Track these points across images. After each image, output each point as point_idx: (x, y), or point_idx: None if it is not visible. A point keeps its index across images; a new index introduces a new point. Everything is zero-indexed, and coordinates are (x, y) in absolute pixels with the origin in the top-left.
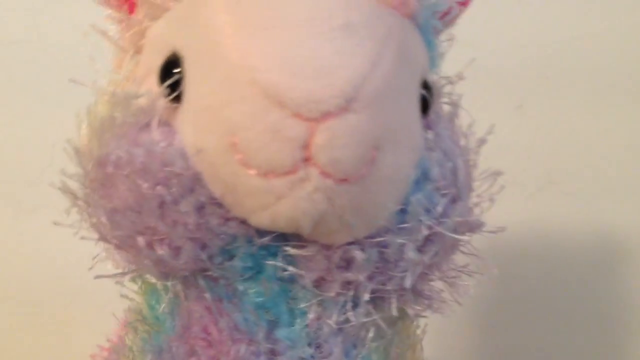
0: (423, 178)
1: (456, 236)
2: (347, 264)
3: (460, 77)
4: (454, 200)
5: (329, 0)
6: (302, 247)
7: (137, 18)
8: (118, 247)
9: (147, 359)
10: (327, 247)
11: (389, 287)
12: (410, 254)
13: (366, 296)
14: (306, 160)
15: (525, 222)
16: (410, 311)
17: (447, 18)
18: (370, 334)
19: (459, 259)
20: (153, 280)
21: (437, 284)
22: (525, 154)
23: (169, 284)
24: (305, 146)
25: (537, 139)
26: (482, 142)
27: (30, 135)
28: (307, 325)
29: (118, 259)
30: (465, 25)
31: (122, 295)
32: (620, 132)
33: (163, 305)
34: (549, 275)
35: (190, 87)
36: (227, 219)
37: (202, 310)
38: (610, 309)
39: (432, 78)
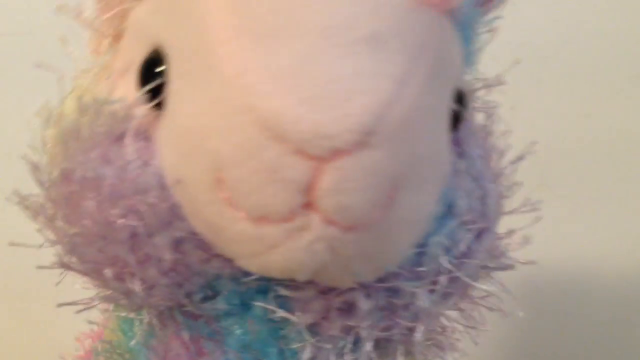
0: (447, 213)
1: (476, 284)
2: (349, 308)
3: (500, 81)
4: (479, 234)
5: (353, 3)
6: (297, 288)
7: None
8: (83, 275)
9: None
10: (327, 289)
11: (395, 333)
12: (423, 302)
13: (368, 345)
14: (307, 205)
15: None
16: (419, 357)
17: (490, 5)
18: None
19: None
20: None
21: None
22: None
23: (143, 315)
24: (308, 189)
25: (530, 140)
26: (520, 158)
27: None
28: None
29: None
30: None
31: (89, 322)
32: (614, 134)
33: (137, 336)
34: (542, 279)
35: (174, 97)
36: (210, 258)
37: (179, 347)
38: (607, 311)
39: (466, 83)
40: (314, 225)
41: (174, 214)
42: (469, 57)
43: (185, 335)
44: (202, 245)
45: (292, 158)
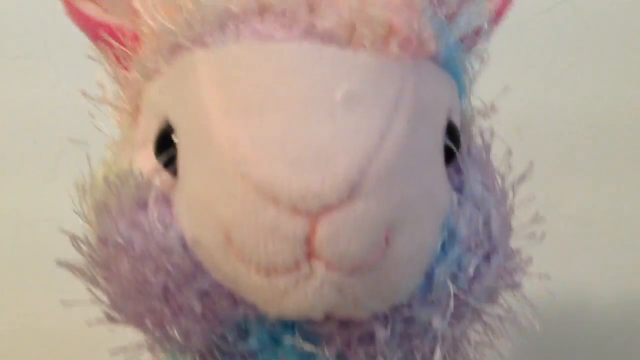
0: (450, 239)
1: (488, 306)
2: (370, 338)
3: (493, 108)
4: (487, 256)
5: (327, 69)
6: (319, 324)
7: (132, 77)
8: (127, 324)
9: None
10: (347, 322)
11: (416, 356)
12: (438, 326)
13: None
14: (309, 254)
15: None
16: None
17: (475, 40)
18: None
19: None
20: None
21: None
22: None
23: (187, 355)
24: (307, 241)
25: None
26: (522, 178)
27: None
28: None
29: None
30: None
31: None
32: (615, 162)
33: None
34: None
35: (182, 168)
36: (236, 304)
37: None
38: (608, 326)
39: (459, 116)
40: (318, 272)
41: (198, 269)
42: (462, 88)
43: None
44: (227, 294)
45: (288, 216)
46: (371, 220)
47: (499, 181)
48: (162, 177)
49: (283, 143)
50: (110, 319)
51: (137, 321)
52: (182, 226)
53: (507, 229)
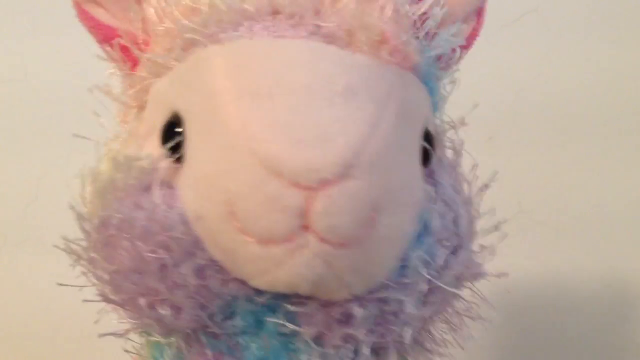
0: (424, 231)
1: (456, 291)
2: (347, 319)
3: (462, 122)
4: (455, 250)
5: (329, 64)
6: (301, 303)
7: (140, 75)
8: (120, 306)
9: None
10: (327, 303)
11: (388, 340)
12: (410, 309)
13: (366, 350)
14: (304, 227)
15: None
16: None
17: (449, 62)
18: None
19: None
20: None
21: (440, 326)
22: (496, 185)
23: (172, 339)
24: (303, 214)
25: (507, 171)
26: (485, 187)
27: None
28: None
29: (122, 313)
30: None
31: (125, 351)
32: (589, 162)
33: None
34: (525, 305)
35: (190, 151)
36: (227, 281)
37: None
38: (593, 338)
39: (434, 126)
40: (310, 244)
41: (196, 246)
42: (435, 105)
43: (209, 352)
44: (221, 270)
45: (289, 189)
46: (361, 198)
47: (466, 187)
48: (166, 164)
49: (289, 124)
50: (106, 299)
51: (132, 301)
52: (184, 205)
53: (472, 228)
